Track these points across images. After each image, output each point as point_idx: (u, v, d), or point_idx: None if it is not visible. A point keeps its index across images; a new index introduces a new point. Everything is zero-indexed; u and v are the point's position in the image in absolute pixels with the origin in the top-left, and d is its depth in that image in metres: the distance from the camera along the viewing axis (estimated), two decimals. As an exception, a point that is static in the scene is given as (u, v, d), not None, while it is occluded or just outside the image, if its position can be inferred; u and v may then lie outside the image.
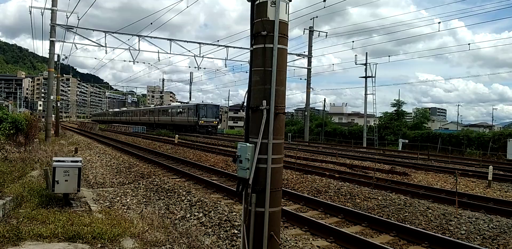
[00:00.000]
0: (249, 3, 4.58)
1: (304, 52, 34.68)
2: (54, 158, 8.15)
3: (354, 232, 6.99)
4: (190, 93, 68.14)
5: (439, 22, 27.34)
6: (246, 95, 4.63)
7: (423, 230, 6.89)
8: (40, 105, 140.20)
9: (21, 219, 6.13)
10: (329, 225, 7.06)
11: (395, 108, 42.03)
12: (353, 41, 35.80)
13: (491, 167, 12.80)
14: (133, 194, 9.38)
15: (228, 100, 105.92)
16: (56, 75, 31.04)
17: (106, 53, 27.39)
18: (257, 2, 4.43)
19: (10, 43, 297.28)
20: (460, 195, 9.80)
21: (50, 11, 24.55)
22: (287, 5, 4.49)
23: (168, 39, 27.21)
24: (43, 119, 32.08)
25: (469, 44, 62.31)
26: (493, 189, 11.99)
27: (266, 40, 4.36)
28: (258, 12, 4.44)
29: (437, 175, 14.20)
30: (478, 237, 6.75)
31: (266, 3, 4.34)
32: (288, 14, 4.56)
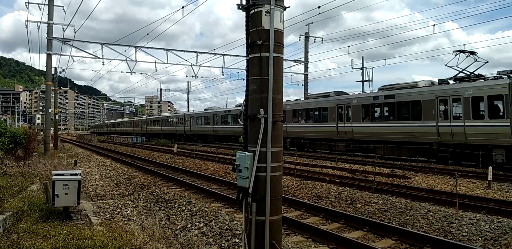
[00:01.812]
0: (244, 12, 4.64)
1: (301, 58, 34.80)
2: (54, 172, 8.16)
3: (355, 237, 6.98)
4: (188, 102, 68.31)
5: (434, 25, 27.54)
6: (244, 104, 4.67)
7: (425, 233, 6.89)
8: (39, 118, 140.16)
9: (22, 234, 6.11)
10: (331, 231, 7.06)
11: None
12: (348, 46, 36.08)
13: (490, 168, 12.80)
14: (134, 205, 9.35)
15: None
16: (53, 88, 31.08)
17: (103, 64, 27.33)
18: (252, 11, 4.49)
19: (7, 57, 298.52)
20: (461, 197, 9.80)
21: (46, 24, 24.69)
22: (282, 13, 4.54)
23: (164, 49, 27.33)
24: (41, 133, 32.07)
25: (464, 44, 62.75)
26: (493, 189, 11.98)
27: (261, 49, 4.42)
28: (253, 21, 4.49)
29: (437, 177, 14.19)
30: (480, 238, 6.74)
31: (261, 12, 4.39)
32: (283, 23, 4.62)
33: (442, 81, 19.41)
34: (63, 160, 20.47)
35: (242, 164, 4.30)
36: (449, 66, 19.10)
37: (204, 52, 28.98)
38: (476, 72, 18.61)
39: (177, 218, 8.01)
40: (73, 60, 27.77)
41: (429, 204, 9.41)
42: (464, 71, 18.86)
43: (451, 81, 19.07)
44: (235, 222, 7.18)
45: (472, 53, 19.00)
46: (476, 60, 18.91)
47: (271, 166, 4.32)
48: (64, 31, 25.95)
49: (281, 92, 4.63)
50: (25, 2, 25.53)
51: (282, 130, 4.72)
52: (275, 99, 4.44)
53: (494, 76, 17.19)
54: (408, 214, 8.27)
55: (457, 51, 19.10)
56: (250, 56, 4.56)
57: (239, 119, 4.85)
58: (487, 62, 18.88)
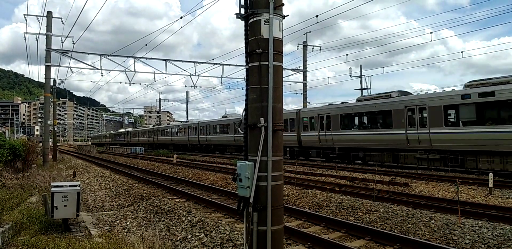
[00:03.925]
0: (242, 21, 4.66)
1: (299, 67, 34.95)
2: (52, 183, 8.11)
3: (358, 246, 6.92)
4: (187, 112, 68.45)
5: (431, 32, 27.48)
6: (244, 113, 4.66)
7: (427, 241, 6.83)
8: (37, 130, 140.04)
9: (21, 247, 6.05)
10: (332, 240, 6.99)
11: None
12: (347, 54, 36.35)
13: (491, 174, 12.76)
14: (133, 217, 9.28)
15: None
16: (52, 100, 31.09)
17: (102, 75, 27.38)
18: (251, 20, 4.51)
19: (6, 69, 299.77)
20: (462, 204, 9.75)
21: (45, 36, 24.80)
22: (281, 22, 4.56)
23: (163, 60, 27.40)
24: (40, 144, 31.97)
25: (462, 52, 63.10)
26: (494, 196, 11.94)
27: (261, 58, 4.42)
28: (252, 30, 4.51)
29: (438, 184, 14.14)
30: (482, 245, 6.69)
31: (260, 21, 4.41)
32: (282, 31, 4.63)
33: None
34: (62, 171, 20.38)
35: (242, 174, 4.27)
36: None
37: (203, 62, 29.04)
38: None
39: (177, 229, 7.94)
40: (72, 72, 27.87)
41: (431, 212, 9.35)
42: None
43: None
44: (236, 232, 7.12)
45: None
46: None
47: (272, 175, 4.29)
48: (62, 42, 26.05)
49: (281, 101, 4.62)
50: (24, 14, 25.67)
51: (283, 138, 4.71)
52: (275, 108, 4.43)
53: None
54: (410, 222, 8.22)
55: None
56: (249, 65, 4.56)
57: (239, 129, 4.85)
58: None
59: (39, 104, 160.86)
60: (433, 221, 8.07)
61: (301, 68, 34.83)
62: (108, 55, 26.10)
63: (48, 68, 24.67)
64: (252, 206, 4.19)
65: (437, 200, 11.21)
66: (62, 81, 38.79)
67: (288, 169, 19.34)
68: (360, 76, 40.12)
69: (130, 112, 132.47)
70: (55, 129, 33.50)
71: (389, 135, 21.12)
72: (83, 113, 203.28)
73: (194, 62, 28.53)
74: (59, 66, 26.90)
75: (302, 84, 35.66)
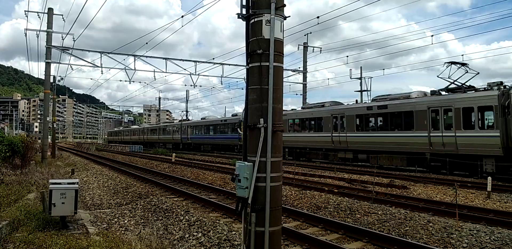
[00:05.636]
0: (244, 21, 4.65)
1: (299, 67, 34.93)
2: (51, 180, 8.10)
3: (355, 248, 6.92)
4: (187, 111, 68.31)
5: (432, 36, 27.72)
6: (244, 114, 4.65)
7: (425, 245, 6.82)
8: (37, 126, 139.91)
9: (18, 244, 6.04)
10: (330, 242, 6.99)
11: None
12: (347, 56, 36.19)
13: (489, 178, 12.77)
14: (131, 215, 9.27)
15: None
16: (52, 97, 31.03)
17: (102, 73, 27.30)
18: (252, 21, 4.50)
19: (6, 65, 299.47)
20: (460, 207, 9.75)
21: (46, 33, 24.77)
22: (282, 23, 4.55)
23: (164, 58, 27.37)
24: (39, 141, 31.93)
25: (462, 55, 62.94)
26: (492, 200, 11.94)
27: (261, 58, 4.41)
28: (253, 31, 4.50)
29: (436, 187, 14.14)
30: (480, 250, 6.68)
31: (261, 21, 4.40)
32: (283, 32, 4.62)
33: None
34: (60, 168, 20.36)
35: (241, 174, 4.26)
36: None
37: (203, 62, 29.01)
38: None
39: (175, 228, 7.94)
40: (72, 69, 27.90)
41: (429, 215, 9.35)
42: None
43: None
44: (234, 232, 7.11)
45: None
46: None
47: (270, 176, 4.28)
48: (63, 39, 25.98)
49: (281, 101, 4.61)
50: (25, 11, 25.65)
51: (282, 139, 4.70)
52: (275, 109, 4.42)
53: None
54: (407, 224, 8.21)
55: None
56: (250, 65, 4.55)
57: (238, 129, 4.83)
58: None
59: (38, 101, 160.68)
60: (431, 224, 8.07)
61: (301, 69, 34.81)
62: (109, 53, 26.08)
63: (48, 65, 24.63)
64: (250, 206, 4.19)
65: (435, 203, 11.20)
66: (62, 78, 38.62)
67: (287, 170, 19.33)
68: (360, 78, 40.09)
69: (130, 110, 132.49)
70: (54, 125, 33.44)
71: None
72: (83, 111, 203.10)
73: (194, 61, 28.53)
74: (59, 63, 26.86)
75: (302, 85, 35.66)
